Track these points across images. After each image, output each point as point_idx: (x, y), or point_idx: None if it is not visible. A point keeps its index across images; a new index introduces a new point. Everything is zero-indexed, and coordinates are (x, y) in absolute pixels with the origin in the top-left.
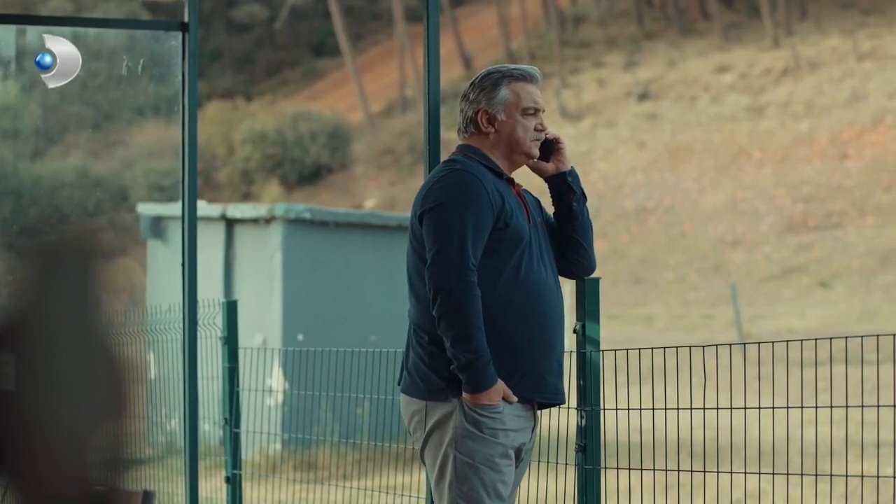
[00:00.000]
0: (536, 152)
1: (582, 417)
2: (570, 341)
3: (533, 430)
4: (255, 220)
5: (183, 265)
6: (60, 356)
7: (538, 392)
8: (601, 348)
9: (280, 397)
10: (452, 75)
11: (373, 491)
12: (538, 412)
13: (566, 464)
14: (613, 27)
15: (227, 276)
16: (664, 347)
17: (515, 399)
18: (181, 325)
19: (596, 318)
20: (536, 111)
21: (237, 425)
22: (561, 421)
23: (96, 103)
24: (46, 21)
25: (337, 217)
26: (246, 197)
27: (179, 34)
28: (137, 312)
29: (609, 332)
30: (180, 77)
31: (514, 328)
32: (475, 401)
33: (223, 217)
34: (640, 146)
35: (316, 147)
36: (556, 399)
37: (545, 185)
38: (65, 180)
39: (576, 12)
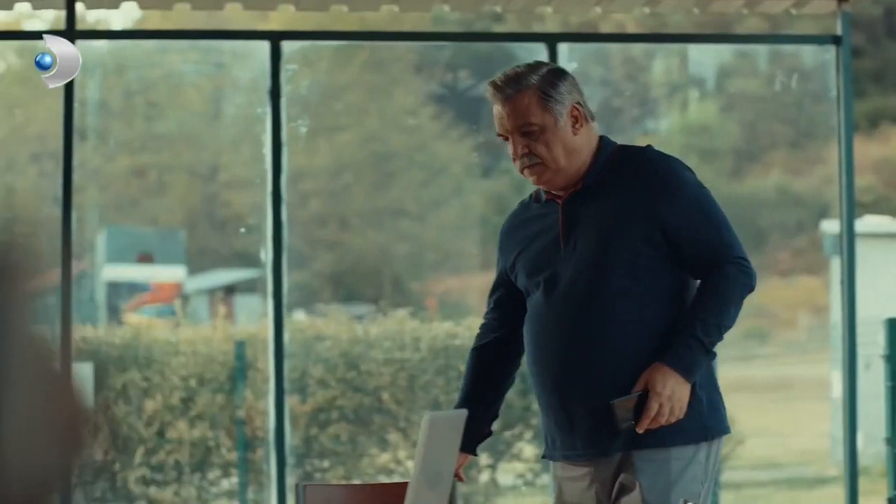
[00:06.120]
0: (527, 176)
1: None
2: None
3: (591, 485)
4: None
5: (842, 283)
6: None
7: (549, 448)
8: None
9: None
10: None
11: None
12: (589, 468)
13: None
14: None
15: None
16: None
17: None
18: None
19: None
20: (505, 136)
21: None
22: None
23: (794, 121)
24: (739, 40)
25: None
26: None
27: (832, 48)
28: (821, 330)
29: None
30: (834, 92)
31: (533, 383)
32: None
33: None
34: None
35: None
36: (569, 456)
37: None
38: (762, 198)
39: None
